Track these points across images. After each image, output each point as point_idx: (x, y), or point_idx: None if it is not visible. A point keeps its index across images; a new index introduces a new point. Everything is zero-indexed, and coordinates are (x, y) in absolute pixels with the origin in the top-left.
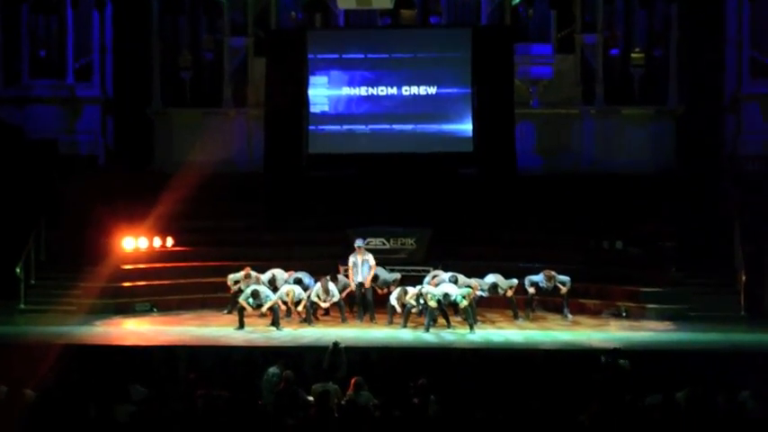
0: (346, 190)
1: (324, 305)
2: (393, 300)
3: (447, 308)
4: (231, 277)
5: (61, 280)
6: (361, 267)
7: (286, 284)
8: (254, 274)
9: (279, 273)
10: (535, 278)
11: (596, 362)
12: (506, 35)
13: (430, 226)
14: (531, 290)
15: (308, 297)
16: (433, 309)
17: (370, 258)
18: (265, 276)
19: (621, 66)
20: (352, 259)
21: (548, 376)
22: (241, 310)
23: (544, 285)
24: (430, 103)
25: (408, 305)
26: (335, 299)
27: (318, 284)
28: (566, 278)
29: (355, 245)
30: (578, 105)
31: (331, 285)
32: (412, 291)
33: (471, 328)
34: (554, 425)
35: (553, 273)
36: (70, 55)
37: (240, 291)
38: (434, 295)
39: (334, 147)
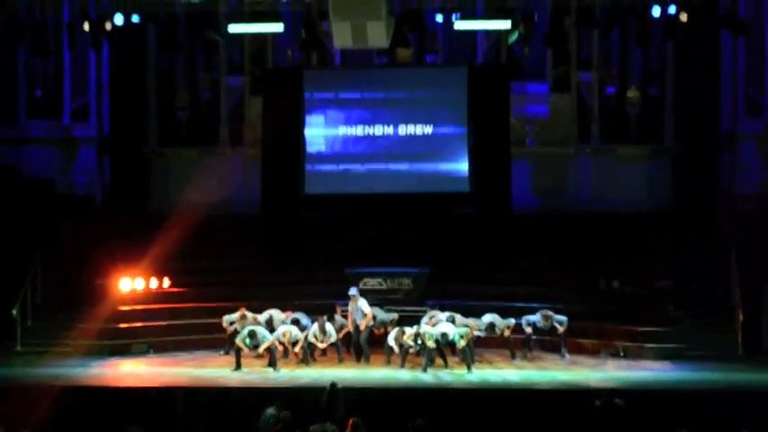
0: (343, 230)
1: (321, 346)
2: (390, 340)
3: (445, 348)
4: (226, 318)
5: (58, 321)
6: (356, 315)
7: (283, 325)
8: (249, 315)
9: (276, 313)
10: (532, 318)
11: (592, 403)
12: (502, 74)
13: (427, 266)
14: (529, 330)
15: (305, 338)
16: (431, 349)
17: (364, 306)
18: (262, 317)
19: (617, 104)
20: (350, 307)
21: (545, 416)
22: (238, 351)
23: (541, 325)
24: (426, 142)
25: (406, 345)
26: (332, 339)
27: (315, 325)
28: (563, 318)
29: (349, 294)
30: (574, 144)
31: (328, 326)
32: (409, 331)
33: (469, 368)
34: None
35: (550, 312)
36: (67, 95)
37: (236, 332)
38: (432, 335)
39: (331, 186)
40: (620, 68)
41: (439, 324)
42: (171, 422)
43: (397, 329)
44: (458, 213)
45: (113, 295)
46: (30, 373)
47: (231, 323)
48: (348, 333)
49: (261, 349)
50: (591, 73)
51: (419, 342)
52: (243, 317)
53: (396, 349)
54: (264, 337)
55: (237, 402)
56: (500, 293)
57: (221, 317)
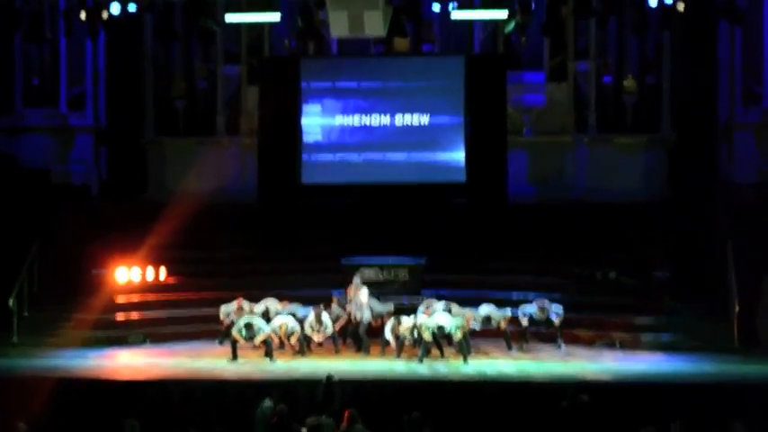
0: (340, 219)
1: (317, 338)
2: (387, 332)
3: (441, 339)
4: (223, 310)
5: (54, 312)
6: (354, 305)
7: (279, 316)
8: (246, 306)
9: (272, 304)
10: (528, 309)
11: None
12: (499, 63)
13: (423, 256)
14: (525, 321)
15: (302, 329)
16: (427, 341)
17: (361, 294)
18: (258, 308)
19: (614, 93)
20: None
21: (540, 408)
22: (234, 342)
23: (537, 316)
24: (423, 132)
25: (402, 336)
26: (329, 332)
27: (311, 315)
28: (559, 308)
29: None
30: (571, 133)
31: (324, 316)
32: (406, 322)
33: (465, 359)
34: None
35: (546, 303)
36: (63, 84)
37: (233, 323)
38: (429, 327)
39: (328, 176)
40: (617, 58)
41: (435, 314)
42: (167, 415)
43: (393, 320)
44: (454, 203)
45: (110, 285)
46: (26, 364)
47: (228, 314)
48: (345, 324)
49: (257, 341)
50: (588, 62)
51: (416, 334)
52: (240, 308)
53: (392, 341)
54: (261, 329)
55: (233, 395)
56: (496, 283)
57: (218, 307)
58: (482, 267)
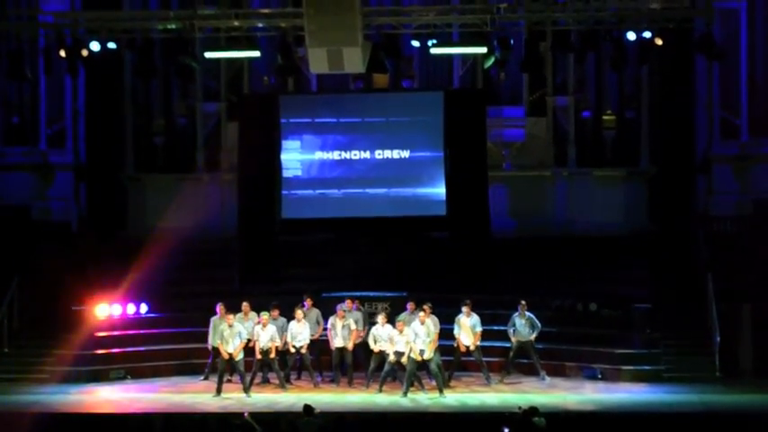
0: (320, 254)
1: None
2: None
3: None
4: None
5: (34, 348)
6: (341, 330)
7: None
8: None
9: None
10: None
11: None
12: (478, 98)
13: (404, 289)
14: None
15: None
16: (410, 372)
17: (352, 322)
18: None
19: (593, 128)
20: (330, 321)
21: None
22: (220, 377)
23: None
24: (403, 166)
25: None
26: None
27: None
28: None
29: (337, 309)
30: (551, 167)
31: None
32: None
33: (441, 391)
34: None
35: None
36: (43, 121)
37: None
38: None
39: (308, 211)
40: (596, 92)
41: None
42: None
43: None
44: (435, 237)
45: (90, 321)
46: (6, 399)
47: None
48: (327, 357)
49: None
50: (567, 97)
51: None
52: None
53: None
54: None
55: (215, 429)
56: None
57: (199, 342)
58: (462, 301)
